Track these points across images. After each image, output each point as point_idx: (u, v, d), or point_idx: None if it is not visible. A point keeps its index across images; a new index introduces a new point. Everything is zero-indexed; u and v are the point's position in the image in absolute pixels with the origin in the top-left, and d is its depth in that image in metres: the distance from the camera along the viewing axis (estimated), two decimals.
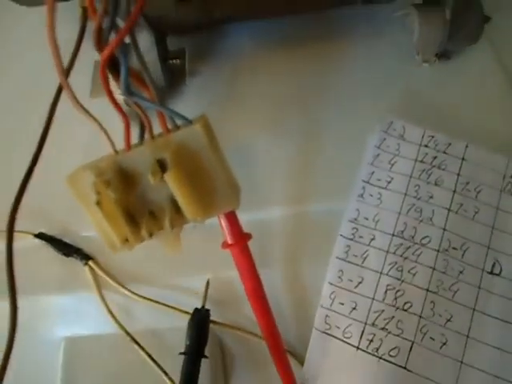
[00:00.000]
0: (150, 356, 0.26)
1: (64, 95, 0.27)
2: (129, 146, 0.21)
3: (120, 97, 0.24)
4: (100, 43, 0.19)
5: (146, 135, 0.21)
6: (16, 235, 0.25)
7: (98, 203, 0.20)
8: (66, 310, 0.29)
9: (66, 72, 0.26)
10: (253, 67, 0.35)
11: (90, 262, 0.29)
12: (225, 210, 0.21)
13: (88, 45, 0.26)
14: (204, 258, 0.28)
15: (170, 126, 0.21)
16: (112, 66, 0.21)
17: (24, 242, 0.30)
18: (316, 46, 0.35)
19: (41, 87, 0.29)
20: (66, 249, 0.29)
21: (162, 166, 0.20)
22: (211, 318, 0.26)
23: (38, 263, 0.30)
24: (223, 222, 0.21)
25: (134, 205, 0.21)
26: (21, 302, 0.28)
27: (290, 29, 0.36)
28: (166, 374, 0.26)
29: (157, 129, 0.21)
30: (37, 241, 0.30)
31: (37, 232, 0.30)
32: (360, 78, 0.33)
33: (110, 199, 0.20)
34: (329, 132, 0.30)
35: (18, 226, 0.25)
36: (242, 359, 0.27)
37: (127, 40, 0.19)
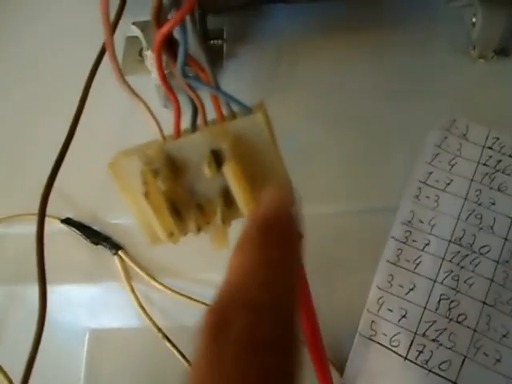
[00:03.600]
0: (181, 354, 0.25)
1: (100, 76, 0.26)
2: (178, 133, 0.19)
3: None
4: (159, 19, 0.17)
5: (199, 122, 0.19)
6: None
7: (147, 194, 0.18)
8: (93, 301, 0.28)
9: (111, 28, 0.24)
10: (294, 53, 0.33)
11: (120, 252, 0.27)
12: None
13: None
14: None
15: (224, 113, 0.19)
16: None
17: (50, 228, 0.28)
18: (364, 32, 0.33)
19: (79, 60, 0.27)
20: (95, 236, 0.28)
21: (216, 158, 0.18)
22: None
23: (64, 251, 0.28)
24: None
25: (181, 196, 0.19)
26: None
27: (335, 13, 0.33)
28: None
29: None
30: (64, 227, 0.28)
31: (64, 217, 0.28)
32: (410, 70, 0.31)
33: (158, 190, 0.18)
34: (378, 127, 0.29)
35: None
36: None
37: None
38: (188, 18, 0.18)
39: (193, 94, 0.19)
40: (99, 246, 0.28)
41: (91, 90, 0.25)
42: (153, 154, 0.18)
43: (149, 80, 0.29)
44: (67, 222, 0.28)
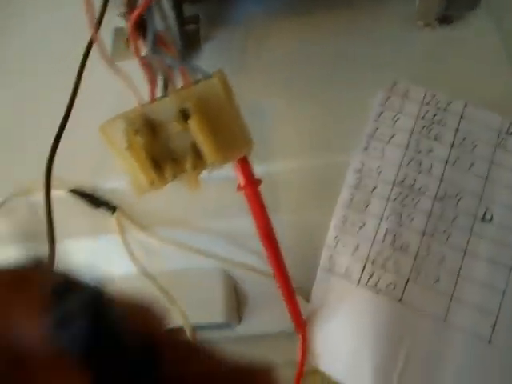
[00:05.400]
0: (165, 292, 0.29)
1: (92, 56, 0.30)
2: (153, 99, 0.23)
3: None
4: (130, 5, 0.22)
5: (170, 88, 0.23)
6: (52, 191, 0.28)
7: (128, 148, 0.22)
8: (96, 253, 0.32)
9: (97, 25, 0.27)
10: (263, 33, 0.37)
11: (117, 212, 0.31)
12: (239, 155, 0.23)
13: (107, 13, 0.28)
14: (221, 206, 0.31)
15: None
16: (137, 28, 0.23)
17: (58, 197, 0.33)
18: (323, 14, 0.37)
19: (69, 46, 0.31)
20: (95, 201, 0.32)
21: (184, 116, 0.22)
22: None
23: (71, 214, 0.33)
24: (238, 167, 0.24)
25: (159, 151, 0.23)
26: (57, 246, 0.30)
27: None
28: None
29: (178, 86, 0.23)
30: (70, 195, 0.33)
31: (71, 188, 0.33)
32: (366, 42, 0.35)
33: (139, 145, 0.22)
34: (337, 94, 0.33)
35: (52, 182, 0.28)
36: (254, 297, 0.30)
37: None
38: (154, 4, 0.22)
39: (163, 67, 0.23)
40: (100, 209, 0.32)
41: (87, 72, 0.29)
42: (133, 116, 0.23)
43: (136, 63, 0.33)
44: (73, 191, 0.33)
